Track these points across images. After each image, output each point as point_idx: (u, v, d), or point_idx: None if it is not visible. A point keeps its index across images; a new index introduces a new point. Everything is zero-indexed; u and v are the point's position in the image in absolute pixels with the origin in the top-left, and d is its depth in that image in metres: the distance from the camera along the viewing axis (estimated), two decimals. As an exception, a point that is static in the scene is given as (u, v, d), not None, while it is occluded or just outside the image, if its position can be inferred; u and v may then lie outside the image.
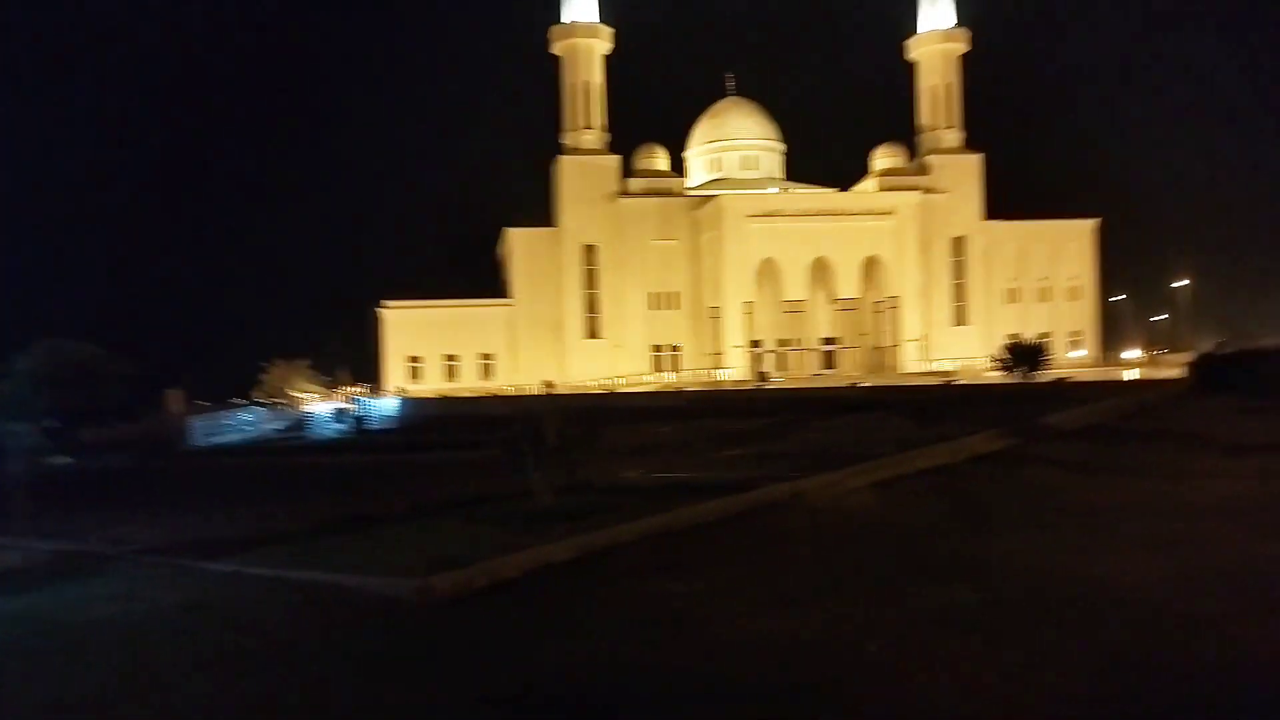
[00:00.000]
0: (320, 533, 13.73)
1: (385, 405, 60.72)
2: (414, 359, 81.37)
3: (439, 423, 45.35)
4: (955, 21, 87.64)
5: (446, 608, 9.36)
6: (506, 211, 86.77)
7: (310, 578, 10.73)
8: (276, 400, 75.32)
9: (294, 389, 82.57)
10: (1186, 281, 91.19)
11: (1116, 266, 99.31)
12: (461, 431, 33.83)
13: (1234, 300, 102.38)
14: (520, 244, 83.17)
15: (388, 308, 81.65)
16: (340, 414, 53.30)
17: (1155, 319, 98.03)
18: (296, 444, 41.37)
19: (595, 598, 9.56)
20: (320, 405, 69.97)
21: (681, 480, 16.86)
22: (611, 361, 78.87)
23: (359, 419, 50.20)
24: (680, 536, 12.10)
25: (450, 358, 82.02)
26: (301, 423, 57.01)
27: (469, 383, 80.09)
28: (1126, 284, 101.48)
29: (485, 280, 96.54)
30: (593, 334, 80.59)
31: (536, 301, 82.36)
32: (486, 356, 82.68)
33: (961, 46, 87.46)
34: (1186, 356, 47.04)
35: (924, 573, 9.57)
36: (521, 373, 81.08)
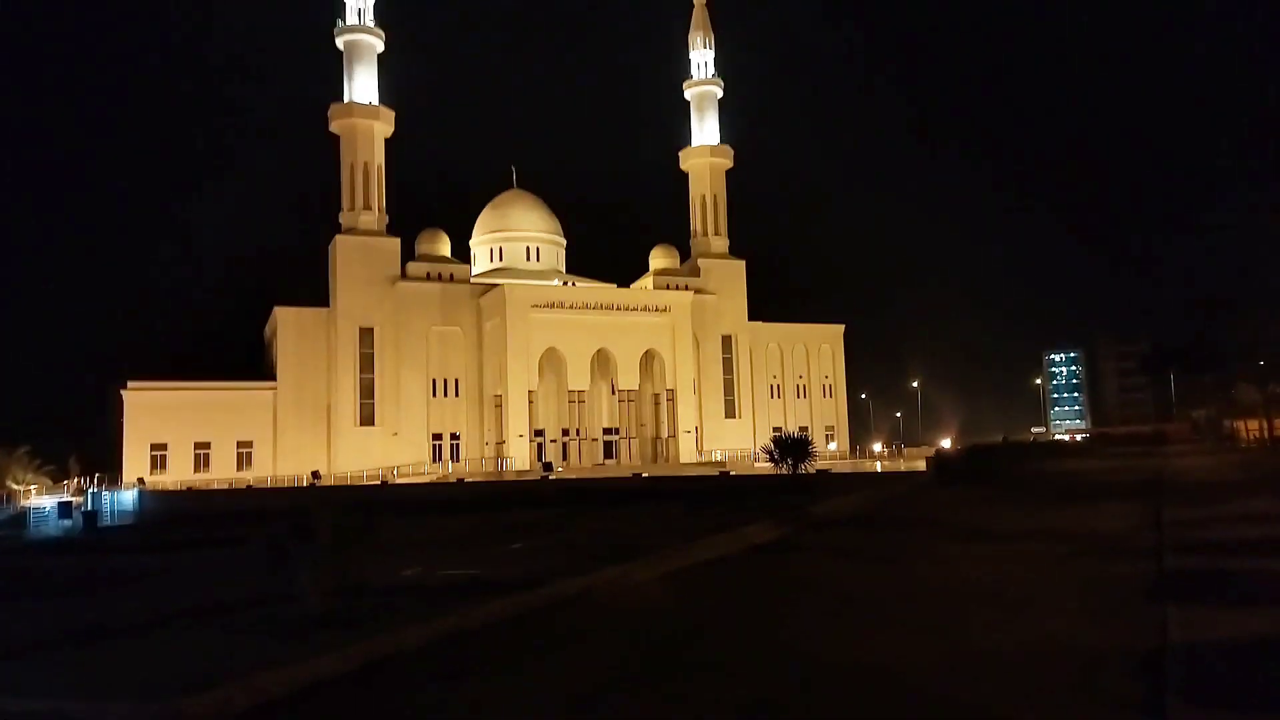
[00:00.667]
0: (38, 648, 11.60)
1: (122, 499, 53.99)
2: (159, 446, 73.47)
3: (186, 518, 40.82)
4: (720, 139, 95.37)
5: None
6: (279, 291, 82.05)
7: (26, 708, 8.95)
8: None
9: (11, 480, 71.72)
10: (916, 383, 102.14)
11: (862, 367, 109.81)
12: (213, 528, 30.61)
13: (959, 399, 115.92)
14: (290, 324, 78.64)
15: (131, 388, 73.59)
16: (66, 508, 46.73)
17: (895, 415, 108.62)
18: (11, 544, 35.54)
19: (376, 714, 8.68)
20: (44, 499, 61.00)
21: (467, 577, 16.05)
22: (387, 450, 75.52)
23: (89, 514, 44.31)
24: (467, 640, 11.40)
25: (202, 445, 74.91)
26: (18, 519, 49.32)
27: (223, 473, 73.33)
28: (869, 383, 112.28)
29: (250, 362, 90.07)
30: (367, 421, 76.94)
31: (305, 385, 77.79)
32: (244, 444, 76.35)
33: (726, 162, 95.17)
34: (924, 451, 52.33)
35: (712, 663, 9.60)
36: (285, 462, 75.60)
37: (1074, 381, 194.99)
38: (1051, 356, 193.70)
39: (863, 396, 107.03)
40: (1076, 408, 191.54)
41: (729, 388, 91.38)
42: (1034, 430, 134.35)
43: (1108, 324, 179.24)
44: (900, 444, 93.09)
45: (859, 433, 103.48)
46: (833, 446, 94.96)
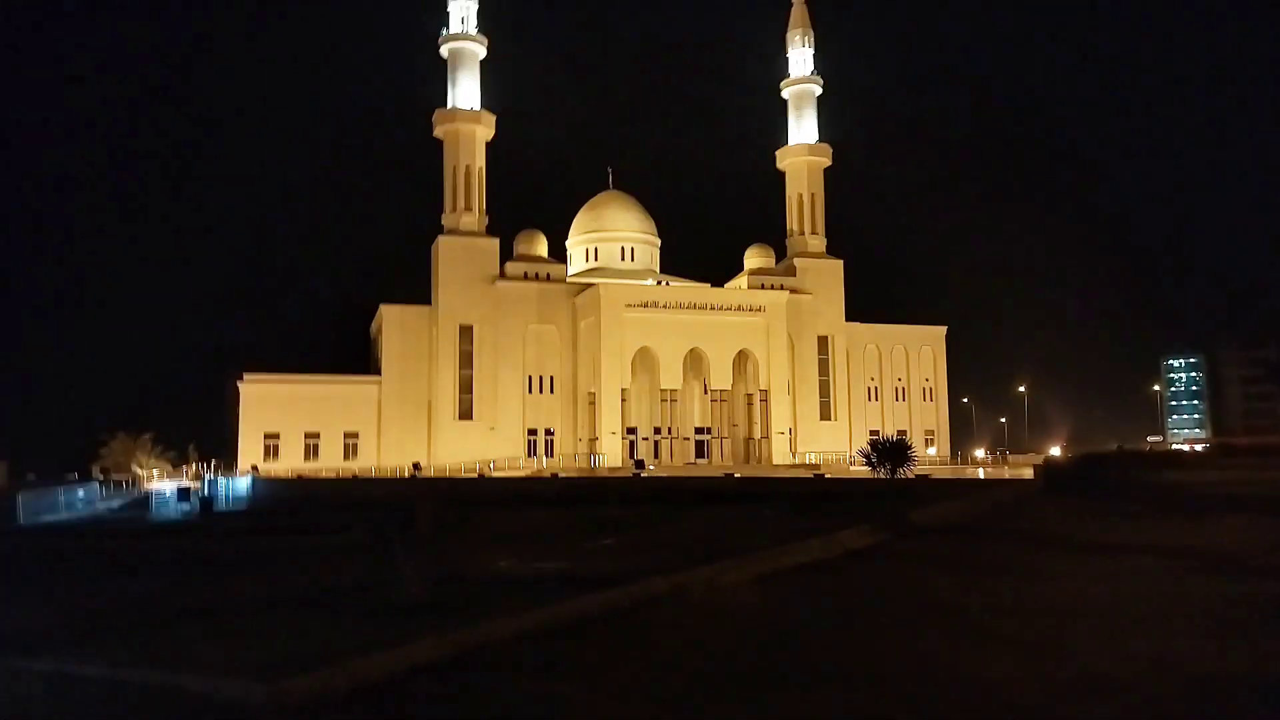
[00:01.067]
0: (155, 625, 12.31)
1: (237, 485, 56.88)
2: (272, 436, 77.11)
3: (295, 505, 42.64)
4: (818, 137, 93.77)
5: (305, 715, 8.43)
6: (384, 289, 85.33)
7: (144, 678, 9.49)
8: (116, 476, 69.37)
9: (136, 464, 76.53)
10: (1023, 388, 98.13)
11: (964, 369, 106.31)
12: (320, 515, 31.83)
13: (1068, 405, 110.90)
14: (395, 321, 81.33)
15: (247, 380, 77.52)
16: (185, 493, 49.49)
17: (999, 420, 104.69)
18: (135, 525, 37.92)
19: (470, 703, 8.86)
20: (164, 483, 64.91)
21: (558, 572, 16.24)
22: (484, 444, 77.25)
23: (205, 500, 46.79)
24: (559, 634, 11.52)
25: (311, 435, 78.24)
26: (142, 502, 52.59)
27: (330, 462, 76.43)
28: (972, 387, 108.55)
29: (357, 357, 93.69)
30: (465, 415, 78.89)
31: (408, 380, 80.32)
32: (351, 435, 79.38)
33: (825, 161, 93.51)
34: (1030, 458, 50.17)
35: (808, 675, 9.39)
36: (388, 453, 78.23)
37: (1194, 389, 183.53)
38: (1170, 362, 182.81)
39: (964, 401, 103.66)
40: (1196, 416, 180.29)
41: (824, 389, 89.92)
42: (1150, 439, 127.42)
43: (1232, 328, 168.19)
44: (1005, 451, 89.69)
45: (961, 438, 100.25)
46: (932, 451, 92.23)
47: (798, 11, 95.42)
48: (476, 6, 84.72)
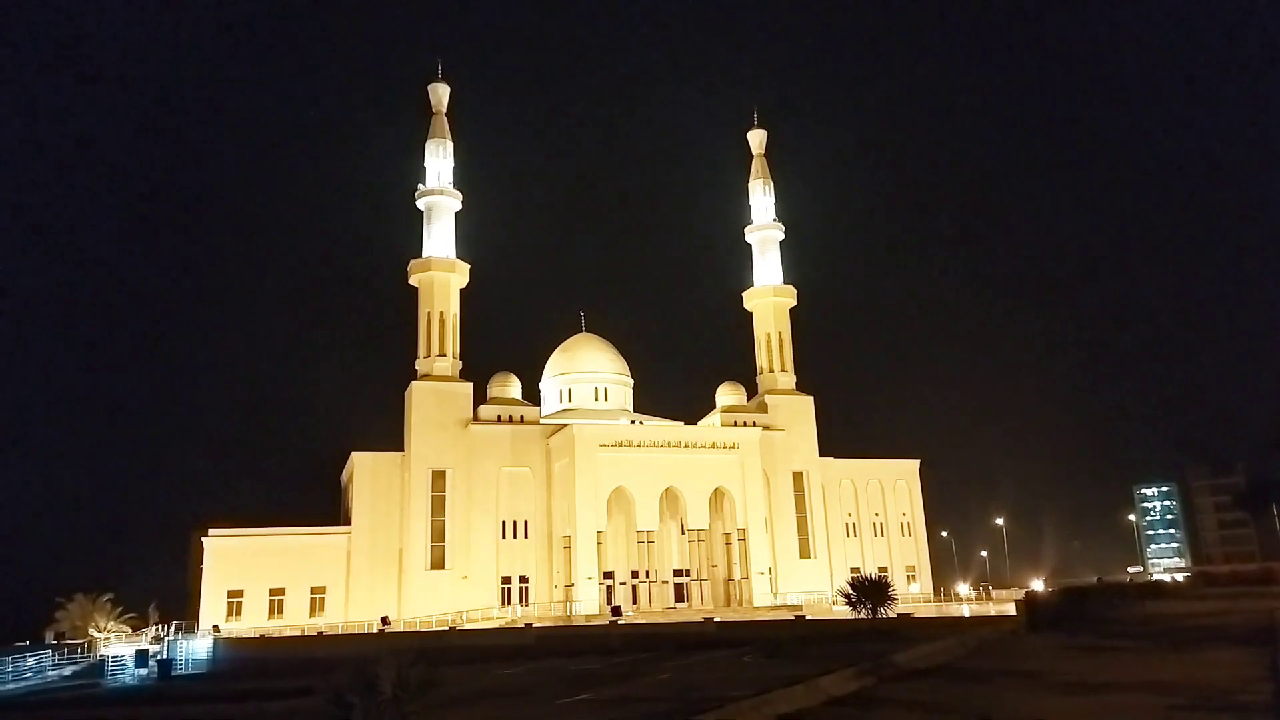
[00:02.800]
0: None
1: (196, 647, 54.31)
2: (236, 593, 74.25)
3: (257, 667, 40.71)
4: (783, 278, 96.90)
5: None
6: (356, 437, 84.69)
7: None
8: (72, 640, 66.02)
9: (94, 627, 73.00)
10: (1000, 520, 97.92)
11: (941, 503, 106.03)
12: (281, 677, 30.43)
13: (1048, 536, 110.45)
14: (366, 469, 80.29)
15: (211, 535, 75.33)
16: (143, 657, 47.13)
17: (980, 553, 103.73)
18: (88, 694, 35.84)
19: None
20: (121, 647, 61.76)
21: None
22: (456, 594, 74.97)
23: (164, 663, 44.59)
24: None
25: (276, 591, 75.46)
26: (98, 668, 49.89)
27: (296, 619, 73.48)
28: (951, 520, 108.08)
29: (326, 508, 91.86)
30: (437, 565, 76.84)
31: (378, 530, 78.55)
32: (318, 590, 76.69)
33: (790, 301, 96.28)
34: (1013, 593, 49.48)
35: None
36: (356, 607, 75.52)
37: (1169, 517, 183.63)
38: (1143, 490, 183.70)
39: (944, 534, 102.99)
40: (1174, 545, 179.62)
41: (802, 526, 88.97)
42: (1130, 570, 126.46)
43: (1201, 453, 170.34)
44: (988, 585, 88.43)
45: (943, 573, 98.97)
46: (915, 588, 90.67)
47: (758, 164, 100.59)
48: (452, 164, 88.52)
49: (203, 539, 75.61)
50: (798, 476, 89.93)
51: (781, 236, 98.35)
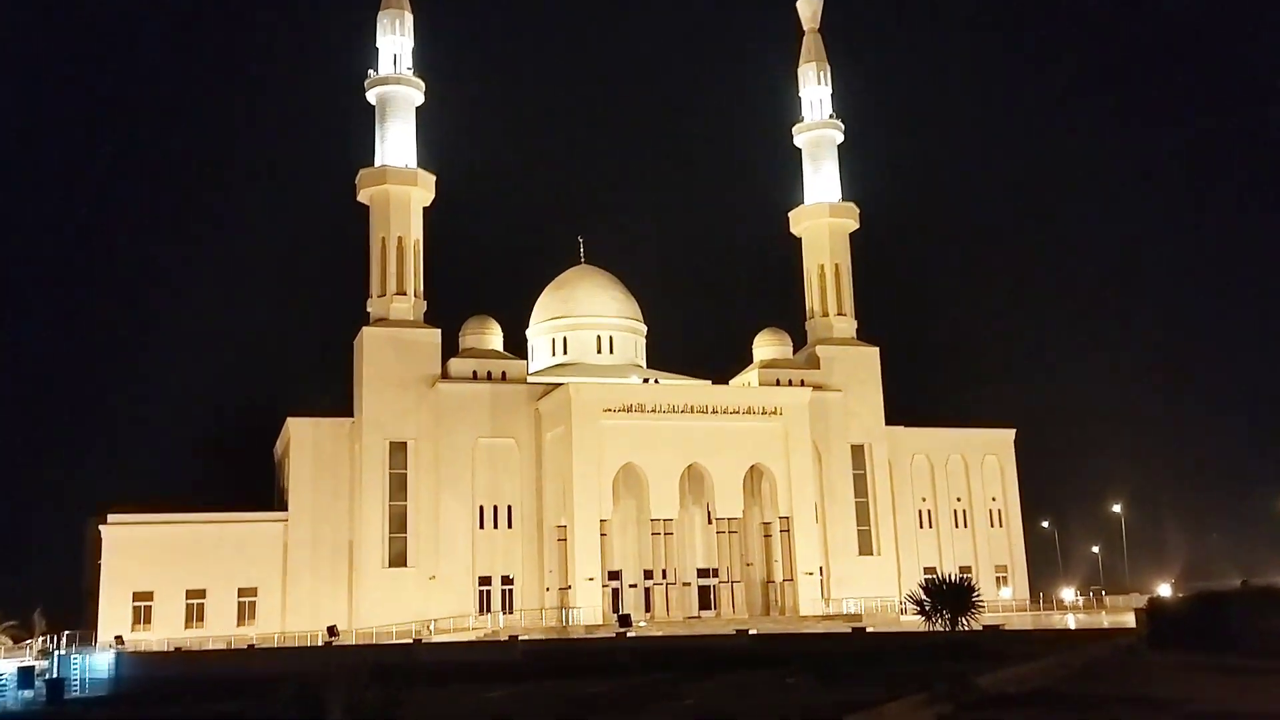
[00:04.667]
0: None
1: (95, 663, 55.44)
2: (143, 595, 75.60)
3: (172, 688, 41.60)
4: (842, 195, 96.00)
5: None
6: (292, 398, 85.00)
7: None
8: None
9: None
10: (1119, 508, 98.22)
11: (1042, 484, 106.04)
12: (202, 703, 31.07)
13: (1180, 529, 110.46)
14: (305, 439, 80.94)
15: (111, 523, 76.34)
16: (28, 676, 48.18)
17: (1091, 550, 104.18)
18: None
19: None
20: (1, 664, 63.11)
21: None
22: (422, 598, 76.04)
23: (54, 683, 45.60)
24: None
25: (195, 594, 76.77)
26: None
27: (220, 628, 74.75)
28: (1054, 506, 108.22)
29: (256, 489, 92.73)
30: (398, 561, 77.82)
31: (322, 517, 79.43)
32: (247, 592, 77.97)
33: (851, 223, 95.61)
34: (1132, 600, 49.91)
35: None
36: (296, 613, 76.72)
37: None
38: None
39: (1044, 525, 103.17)
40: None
41: (863, 514, 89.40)
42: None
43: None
44: (1100, 591, 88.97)
45: (1043, 575, 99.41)
46: (1006, 593, 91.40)
47: (810, 42, 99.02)
48: (412, 43, 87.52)
49: (101, 527, 76.57)
50: (858, 450, 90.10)
51: (840, 138, 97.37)
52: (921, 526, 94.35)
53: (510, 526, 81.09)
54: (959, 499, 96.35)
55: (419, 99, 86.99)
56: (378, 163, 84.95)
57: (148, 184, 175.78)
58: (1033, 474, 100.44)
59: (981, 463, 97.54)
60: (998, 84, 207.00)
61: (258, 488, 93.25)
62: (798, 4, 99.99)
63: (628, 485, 79.74)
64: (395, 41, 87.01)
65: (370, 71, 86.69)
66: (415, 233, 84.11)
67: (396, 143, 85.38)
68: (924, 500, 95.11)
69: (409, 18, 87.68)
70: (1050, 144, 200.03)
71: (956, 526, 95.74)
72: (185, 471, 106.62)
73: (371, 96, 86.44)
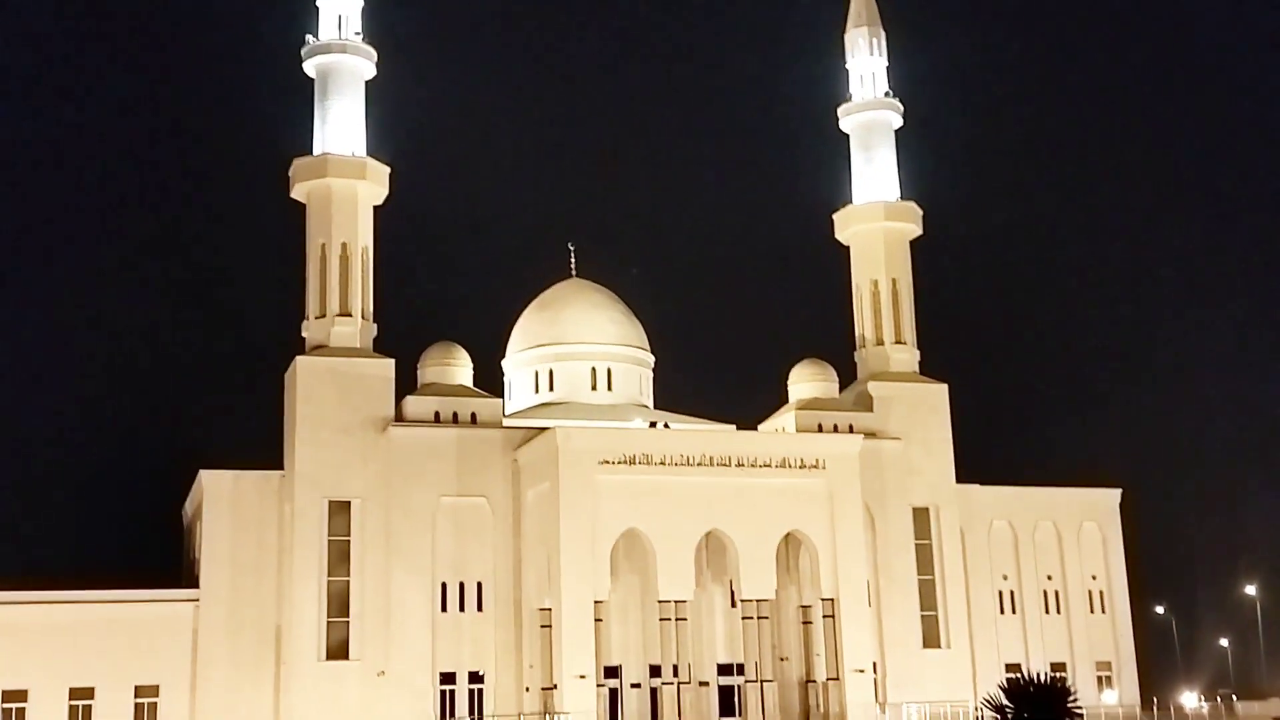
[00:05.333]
0: None
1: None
2: (15, 695, 75.23)
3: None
4: (900, 193, 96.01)
5: None
6: (206, 446, 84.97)
7: None
8: None
9: None
10: (1254, 589, 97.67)
11: (1155, 558, 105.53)
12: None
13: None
14: (223, 496, 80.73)
15: (-26, 603, 76.03)
16: None
17: (1219, 643, 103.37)
18: None
19: None
20: None
21: None
22: (368, 699, 76.03)
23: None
24: None
25: (81, 693, 76.29)
26: None
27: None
28: (1169, 585, 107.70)
29: (161, 558, 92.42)
30: (338, 653, 77.48)
31: (243, 594, 79.16)
32: (147, 691, 77.62)
33: (912, 228, 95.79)
34: (1271, 706, 49.26)
35: None
36: (209, 719, 76.10)
37: None
38: None
39: (1159, 611, 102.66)
40: None
41: (928, 596, 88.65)
42: None
43: None
44: (1230, 694, 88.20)
45: (1158, 673, 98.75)
46: (1110, 697, 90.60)
47: (859, 2, 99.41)
48: (362, 2, 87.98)
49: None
50: (921, 515, 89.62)
51: (899, 122, 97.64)
52: (1002, 612, 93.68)
53: (480, 609, 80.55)
54: (1049, 577, 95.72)
55: (370, 72, 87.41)
56: (317, 150, 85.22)
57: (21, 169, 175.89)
58: (1144, 546, 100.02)
59: (1078, 531, 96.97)
60: (1109, 51, 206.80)
61: (161, 559, 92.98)
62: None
63: (630, 557, 79.28)
64: (340, 0, 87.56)
65: (309, 37, 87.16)
66: (364, 238, 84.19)
67: (341, 126, 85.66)
68: (1005, 578, 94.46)
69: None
70: (1174, 129, 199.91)
71: (1046, 612, 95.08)
72: (69, 538, 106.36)
73: (310, 68, 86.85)
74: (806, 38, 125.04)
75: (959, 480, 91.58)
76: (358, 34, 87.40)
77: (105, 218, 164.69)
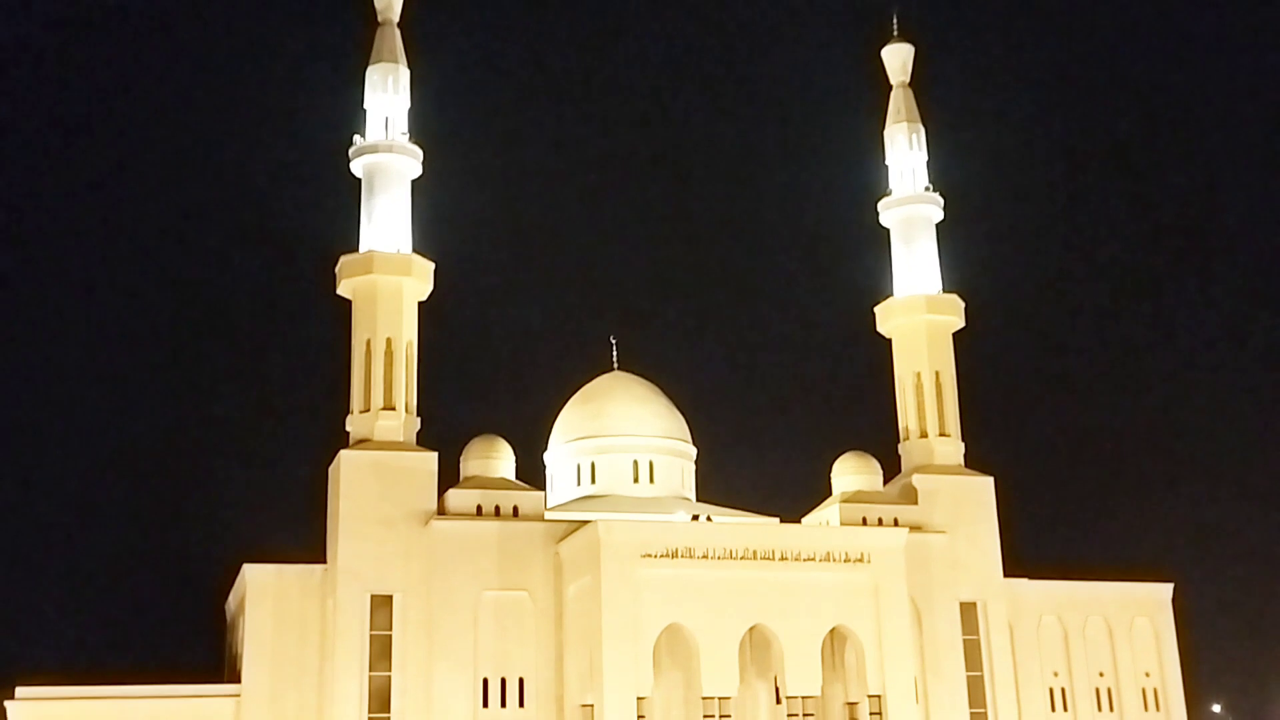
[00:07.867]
0: None
1: None
2: (55, 791, 74.84)
3: None
4: (942, 285, 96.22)
5: None
6: (248, 541, 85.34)
7: None
8: None
9: None
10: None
11: (1208, 654, 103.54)
12: None
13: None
14: (265, 591, 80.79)
15: (20, 698, 76.20)
16: None
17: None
18: None
19: None
20: None
21: None
22: (408, 799, 74.82)
23: None
24: None
25: (122, 789, 75.91)
26: None
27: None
28: (1225, 682, 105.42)
29: (203, 654, 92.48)
30: (379, 748, 76.78)
31: (285, 689, 78.90)
32: (188, 788, 77.04)
33: (955, 320, 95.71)
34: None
35: None
36: (248, 818, 75.68)
37: None
38: None
39: (1216, 710, 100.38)
40: None
41: (976, 693, 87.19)
42: None
43: None
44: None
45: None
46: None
47: (899, 99, 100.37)
48: (407, 103, 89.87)
49: (6, 703, 76.45)
50: (969, 610, 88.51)
51: (939, 216, 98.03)
52: (1053, 709, 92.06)
53: (521, 705, 79.88)
54: (1101, 674, 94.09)
55: (415, 171, 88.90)
56: (363, 247, 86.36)
57: (91, 267, 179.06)
58: (1199, 641, 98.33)
59: (1130, 627, 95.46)
60: (1136, 141, 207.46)
61: (204, 654, 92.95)
62: (883, 53, 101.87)
63: (673, 653, 78.50)
64: (387, 101, 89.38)
65: (356, 137, 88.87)
66: (408, 333, 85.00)
67: (386, 223, 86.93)
68: (1055, 675, 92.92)
69: (405, 73, 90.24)
70: (1222, 210, 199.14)
71: (1099, 709, 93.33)
72: (111, 634, 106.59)
73: (357, 167, 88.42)
74: (847, 131, 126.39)
75: (1006, 574, 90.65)
76: (404, 134, 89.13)
77: (152, 313, 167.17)
